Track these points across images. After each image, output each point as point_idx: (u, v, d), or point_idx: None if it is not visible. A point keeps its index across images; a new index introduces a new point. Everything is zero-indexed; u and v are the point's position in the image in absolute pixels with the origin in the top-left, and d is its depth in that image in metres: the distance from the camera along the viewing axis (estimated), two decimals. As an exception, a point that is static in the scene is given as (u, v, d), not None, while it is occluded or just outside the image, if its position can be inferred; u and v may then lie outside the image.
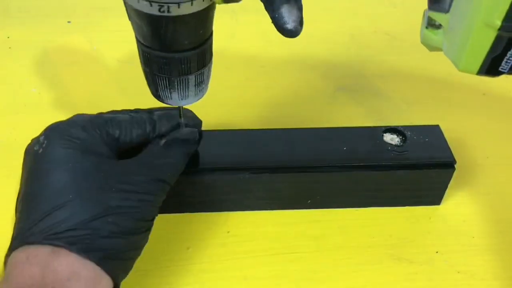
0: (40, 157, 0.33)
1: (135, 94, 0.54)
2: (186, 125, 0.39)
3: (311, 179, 0.40)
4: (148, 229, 0.33)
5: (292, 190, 0.41)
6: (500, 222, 0.42)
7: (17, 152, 0.47)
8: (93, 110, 0.51)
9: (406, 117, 0.51)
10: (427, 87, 0.55)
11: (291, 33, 0.31)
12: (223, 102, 0.53)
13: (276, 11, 0.29)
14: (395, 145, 0.40)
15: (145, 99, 0.53)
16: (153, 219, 0.34)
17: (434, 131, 0.42)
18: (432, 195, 0.42)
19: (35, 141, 0.35)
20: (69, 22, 0.65)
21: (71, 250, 0.29)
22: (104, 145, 0.35)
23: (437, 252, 0.39)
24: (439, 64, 0.59)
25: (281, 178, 0.40)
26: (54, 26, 0.64)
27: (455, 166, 0.40)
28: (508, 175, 0.46)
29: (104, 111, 0.51)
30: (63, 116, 0.51)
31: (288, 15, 0.30)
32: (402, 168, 0.39)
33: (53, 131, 0.34)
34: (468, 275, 0.38)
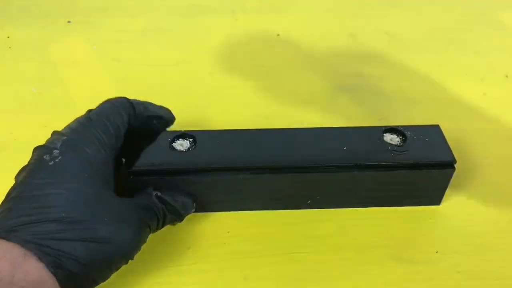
0: (49, 169, 0.33)
1: (135, 94, 0.54)
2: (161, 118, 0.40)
3: (311, 179, 0.40)
4: (114, 270, 0.34)
5: (292, 190, 0.41)
6: (500, 222, 0.42)
7: (17, 152, 0.47)
8: (93, 110, 0.52)
9: (406, 117, 0.51)
10: (427, 87, 0.55)
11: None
12: (223, 102, 0.53)
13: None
14: (395, 145, 0.40)
15: (145, 99, 0.53)
16: (126, 262, 0.34)
17: (434, 131, 0.42)
18: (432, 195, 0.42)
19: (47, 149, 0.35)
20: (69, 22, 0.65)
21: (41, 260, 0.30)
22: (112, 168, 0.36)
23: (437, 252, 0.39)
24: (440, 64, 0.59)
25: (281, 178, 0.39)
26: (54, 26, 0.64)
27: (455, 166, 0.40)
28: (508, 175, 0.46)
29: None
30: (63, 116, 0.51)
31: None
32: (402, 168, 0.39)
33: (69, 148, 0.34)
34: (469, 275, 0.38)
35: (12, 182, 0.44)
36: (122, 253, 0.33)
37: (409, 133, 0.41)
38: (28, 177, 0.33)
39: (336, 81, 0.56)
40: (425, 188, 0.41)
